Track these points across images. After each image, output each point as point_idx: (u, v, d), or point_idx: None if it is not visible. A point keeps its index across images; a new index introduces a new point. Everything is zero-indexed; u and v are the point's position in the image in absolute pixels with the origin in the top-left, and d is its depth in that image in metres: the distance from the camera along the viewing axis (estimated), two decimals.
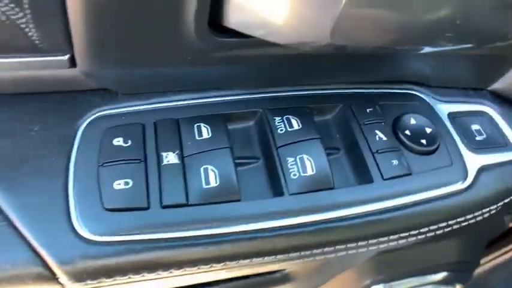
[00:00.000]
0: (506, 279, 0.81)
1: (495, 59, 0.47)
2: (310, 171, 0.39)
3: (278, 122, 0.41)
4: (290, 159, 0.39)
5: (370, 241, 0.41)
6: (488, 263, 0.80)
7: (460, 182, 0.44)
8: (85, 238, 0.34)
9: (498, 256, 0.79)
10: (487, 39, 0.38)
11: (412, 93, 0.49)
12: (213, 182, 0.36)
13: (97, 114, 0.40)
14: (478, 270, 0.74)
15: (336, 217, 0.39)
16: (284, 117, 0.42)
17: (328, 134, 0.44)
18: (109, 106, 0.41)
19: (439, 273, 0.57)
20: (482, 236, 0.57)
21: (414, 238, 0.44)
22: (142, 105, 0.41)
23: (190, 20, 0.33)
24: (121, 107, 0.41)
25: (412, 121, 0.45)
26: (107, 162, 0.36)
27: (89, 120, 0.40)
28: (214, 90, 0.43)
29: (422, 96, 0.49)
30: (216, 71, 0.41)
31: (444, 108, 0.49)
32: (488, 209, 0.45)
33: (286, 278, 0.45)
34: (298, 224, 0.38)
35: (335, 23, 0.30)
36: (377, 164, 0.41)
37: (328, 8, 0.30)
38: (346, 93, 0.46)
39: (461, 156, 0.45)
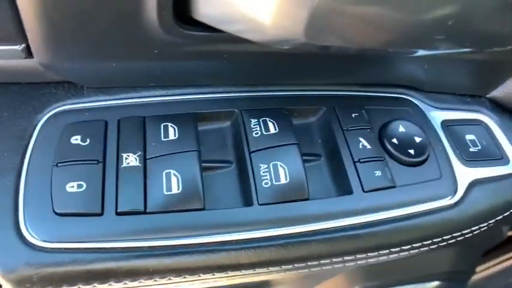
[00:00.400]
0: None
1: (494, 64, 0.43)
2: (283, 180, 0.36)
3: (254, 125, 0.38)
4: (263, 166, 0.36)
5: (346, 257, 0.38)
6: (486, 270, 0.77)
7: (449, 197, 0.41)
8: (32, 244, 0.32)
9: (496, 264, 0.77)
10: (484, 43, 0.34)
11: (404, 98, 0.46)
12: (175, 188, 0.34)
13: (59, 109, 0.37)
14: (475, 278, 0.72)
15: (309, 231, 0.36)
16: (261, 120, 0.39)
17: (310, 138, 0.41)
18: (73, 100, 0.38)
19: (431, 282, 0.56)
20: (476, 247, 0.55)
21: (396, 255, 0.41)
22: (109, 100, 0.38)
23: (152, 9, 0.30)
24: (85, 102, 0.38)
25: (401, 129, 0.42)
26: (61, 162, 0.34)
27: (49, 114, 0.37)
28: (188, 87, 0.40)
29: (414, 101, 0.46)
30: (189, 66, 0.38)
31: (438, 116, 0.46)
32: (477, 227, 0.42)
33: (262, 284, 0.43)
34: (266, 237, 0.35)
35: (310, 19, 0.27)
36: (358, 175, 0.38)
37: (303, 2, 0.26)
38: (331, 95, 0.43)
39: (451, 168, 0.42)
